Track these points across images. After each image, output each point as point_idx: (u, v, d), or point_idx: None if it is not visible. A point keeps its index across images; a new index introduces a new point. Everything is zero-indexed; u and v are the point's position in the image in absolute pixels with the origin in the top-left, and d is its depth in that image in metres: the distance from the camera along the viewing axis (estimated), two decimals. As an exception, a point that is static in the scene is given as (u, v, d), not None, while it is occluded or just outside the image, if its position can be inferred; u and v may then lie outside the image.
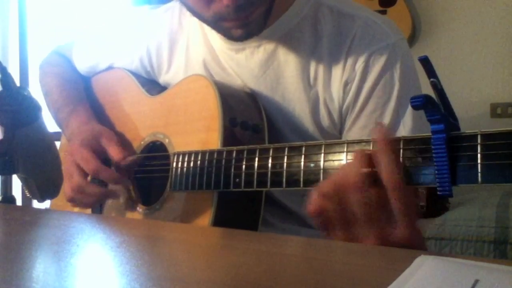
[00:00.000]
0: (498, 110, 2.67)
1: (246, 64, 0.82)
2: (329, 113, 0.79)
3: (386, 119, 0.75)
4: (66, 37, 2.40)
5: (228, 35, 0.77)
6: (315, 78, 0.78)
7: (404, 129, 0.74)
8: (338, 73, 0.77)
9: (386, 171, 0.51)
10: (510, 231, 1.75)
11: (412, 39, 2.78)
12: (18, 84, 0.72)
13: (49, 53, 1.12)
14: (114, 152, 0.83)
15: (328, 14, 0.78)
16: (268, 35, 0.79)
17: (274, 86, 0.80)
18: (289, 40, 0.79)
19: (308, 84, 0.78)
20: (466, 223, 1.83)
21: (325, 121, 0.79)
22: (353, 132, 0.77)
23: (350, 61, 0.76)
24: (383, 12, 2.77)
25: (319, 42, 0.78)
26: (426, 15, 2.83)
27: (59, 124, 1.00)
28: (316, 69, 0.78)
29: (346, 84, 0.76)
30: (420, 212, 0.66)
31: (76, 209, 0.93)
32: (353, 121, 0.77)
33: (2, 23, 2.47)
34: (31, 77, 2.46)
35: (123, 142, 0.90)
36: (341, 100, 0.77)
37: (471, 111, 2.60)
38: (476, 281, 0.33)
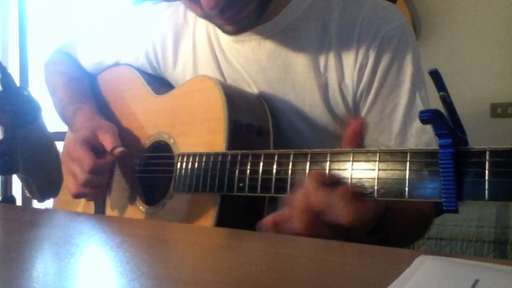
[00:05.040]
0: (498, 110, 2.67)
1: (253, 56, 0.82)
2: (344, 99, 0.79)
3: (403, 101, 0.76)
4: (66, 36, 2.40)
5: (222, 30, 0.78)
6: (326, 65, 0.78)
7: (421, 107, 0.76)
8: (350, 58, 0.77)
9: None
10: (510, 231, 1.75)
11: (412, 39, 2.78)
12: (18, 84, 0.72)
13: (53, 52, 1.12)
14: (106, 142, 0.83)
15: (334, 1, 0.79)
16: (274, 25, 0.79)
17: (284, 76, 0.81)
18: (296, 30, 0.79)
19: (319, 72, 0.79)
20: (466, 223, 1.83)
21: (339, 107, 0.79)
22: (371, 116, 0.78)
23: (362, 45, 0.76)
24: (383, 12, 2.77)
25: (327, 29, 0.78)
26: (426, 14, 2.82)
27: (66, 123, 1.00)
28: (327, 56, 0.78)
29: (360, 69, 0.77)
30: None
31: (81, 208, 0.93)
32: (370, 106, 0.78)
33: (2, 23, 2.47)
34: (31, 77, 2.46)
35: (130, 138, 0.90)
36: (355, 85, 0.78)
37: (471, 111, 2.60)
38: (476, 281, 0.32)
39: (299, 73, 0.80)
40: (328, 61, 0.78)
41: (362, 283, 0.37)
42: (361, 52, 0.76)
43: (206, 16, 0.74)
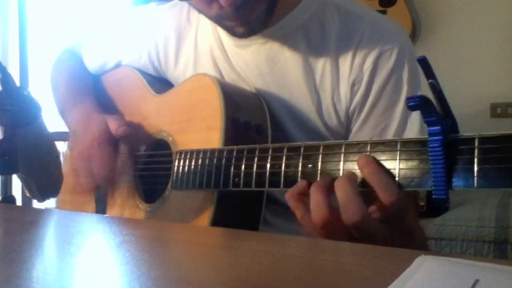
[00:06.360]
0: (498, 110, 2.67)
1: (252, 60, 0.82)
2: (336, 113, 0.79)
3: (395, 120, 0.76)
4: (66, 37, 2.40)
5: (232, 32, 0.78)
6: (322, 77, 0.78)
7: (412, 128, 0.75)
8: (345, 73, 0.77)
9: (381, 191, 0.52)
10: (510, 231, 1.75)
11: (412, 39, 2.78)
12: (18, 84, 0.72)
13: (61, 52, 1.14)
14: (111, 124, 0.87)
15: (335, 13, 0.79)
16: (275, 32, 0.79)
17: (282, 83, 0.80)
18: (296, 38, 0.79)
19: (314, 83, 0.79)
20: (466, 223, 1.83)
21: (332, 120, 0.79)
22: (363, 132, 0.78)
23: (357, 61, 0.76)
24: (383, 12, 2.77)
25: (326, 41, 0.78)
26: (426, 15, 2.83)
27: (62, 112, 1.01)
28: (323, 68, 0.78)
29: (353, 84, 0.77)
30: (420, 212, 0.67)
31: (92, 208, 0.93)
32: (362, 122, 0.78)
33: (2, 23, 2.47)
34: (31, 77, 2.46)
35: (132, 137, 0.91)
36: (349, 100, 0.77)
37: (471, 111, 2.60)
38: (476, 281, 0.32)
39: (296, 81, 0.79)
40: (325, 73, 0.78)
41: (362, 283, 0.37)
42: (356, 68, 0.76)
43: (219, 17, 0.74)
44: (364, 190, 0.54)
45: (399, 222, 0.56)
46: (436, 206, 0.65)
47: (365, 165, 0.54)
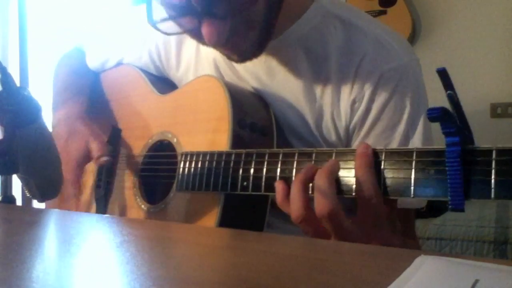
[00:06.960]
0: (498, 110, 2.67)
1: (253, 70, 0.81)
2: (336, 129, 0.78)
3: (395, 141, 0.74)
4: (66, 37, 2.40)
5: (228, 58, 0.77)
6: (322, 93, 0.77)
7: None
8: (346, 90, 0.75)
9: (361, 186, 0.54)
10: (510, 231, 1.75)
11: (412, 39, 2.78)
12: (18, 84, 0.72)
13: (71, 49, 1.14)
14: (94, 150, 0.89)
15: (339, 27, 0.77)
16: (276, 44, 0.77)
17: (281, 95, 0.80)
18: (297, 51, 0.78)
19: (314, 98, 0.77)
20: (466, 223, 1.83)
21: (331, 136, 0.78)
22: None
23: (359, 79, 0.74)
24: (383, 12, 2.77)
25: (328, 55, 0.76)
26: (426, 15, 2.83)
27: (53, 104, 1.02)
28: (325, 83, 0.77)
29: (353, 103, 0.75)
30: (420, 212, 0.67)
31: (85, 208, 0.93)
32: (361, 140, 0.76)
33: (2, 23, 2.47)
34: (31, 77, 2.46)
35: (133, 137, 0.91)
36: (349, 118, 0.76)
37: (471, 111, 2.60)
38: (476, 281, 0.32)
39: (296, 95, 0.78)
40: (325, 88, 0.77)
41: (362, 283, 0.37)
42: (356, 87, 0.74)
43: (212, 46, 0.73)
44: (351, 196, 0.55)
45: (375, 228, 0.56)
46: (436, 206, 0.65)
47: (361, 155, 0.54)
